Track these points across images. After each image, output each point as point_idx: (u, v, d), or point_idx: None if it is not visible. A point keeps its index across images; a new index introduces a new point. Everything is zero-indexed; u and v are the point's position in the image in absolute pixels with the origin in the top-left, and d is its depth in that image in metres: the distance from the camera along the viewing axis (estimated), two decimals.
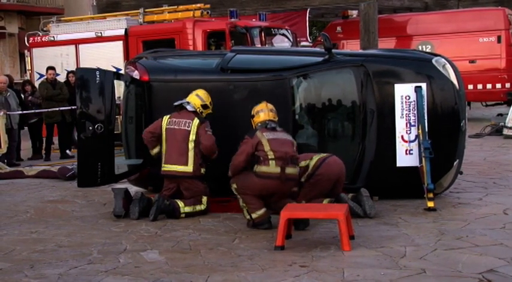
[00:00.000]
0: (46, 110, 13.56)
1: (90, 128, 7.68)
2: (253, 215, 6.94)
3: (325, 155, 7.52)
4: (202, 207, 7.59)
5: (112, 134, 8.03)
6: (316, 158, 7.46)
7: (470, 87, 16.86)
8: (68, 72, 14.69)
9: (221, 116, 8.30)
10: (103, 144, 7.82)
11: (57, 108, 13.52)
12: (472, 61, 17.81)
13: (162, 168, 7.68)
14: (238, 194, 7.10)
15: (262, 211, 6.95)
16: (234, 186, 7.10)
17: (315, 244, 6.15)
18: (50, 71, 13.97)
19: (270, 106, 7.44)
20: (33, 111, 13.73)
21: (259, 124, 7.29)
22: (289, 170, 7.02)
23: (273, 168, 6.97)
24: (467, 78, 14.76)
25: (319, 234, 6.54)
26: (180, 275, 5.39)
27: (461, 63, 14.31)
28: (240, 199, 7.09)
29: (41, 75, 15.49)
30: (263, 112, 7.36)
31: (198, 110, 7.77)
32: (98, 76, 7.83)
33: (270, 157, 6.98)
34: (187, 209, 7.48)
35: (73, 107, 13.36)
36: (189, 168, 7.57)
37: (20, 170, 11.44)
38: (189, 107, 7.75)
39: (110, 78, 7.96)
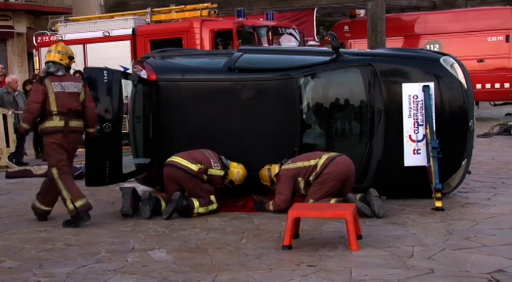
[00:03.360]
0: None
1: (98, 127, 7.70)
2: (78, 203, 7.19)
3: (334, 154, 7.52)
4: (215, 206, 7.59)
5: (120, 133, 8.05)
6: (325, 156, 7.47)
7: (479, 86, 16.80)
8: (74, 72, 14.70)
9: (228, 115, 8.31)
10: (111, 144, 7.83)
11: None
12: (480, 60, 17.76)
13: None
14: (59, 181, 7.27)
15: (85, 200, 7.27)
16: (53, 171, 7.31)
17: (322, 244, 6.15)
18: None
19: (61, 46, 7.60)
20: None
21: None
22: (72, 123, 7.37)
23: (57, 122, 7.31)
24: (476, 77, 14.69)
25: (327, 234, 6.54)
26: (187, 274, 5.39)
27: (470, 63, 14.28)
28: (62, 187, 7.25)
29: None
30: (51, 52, 7.49)
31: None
32: (106, 75, 7.85)
33: (53, 112, 7.30)
34: (201, 210, 7.47)
35: None
36: None
37: (28, 169, 11.49)
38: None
39: (117, 78, 7.98)
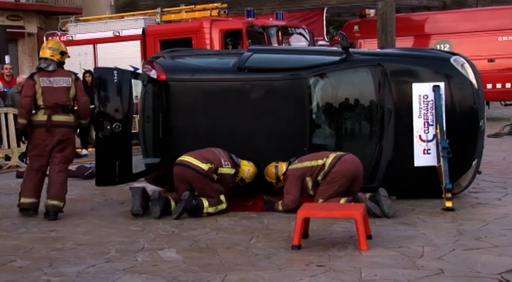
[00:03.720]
0: None
1: (108, 127, 7.72)
2: (22, 200, 7.78)
3: (341, 153, 7.53)
4: (224, 206, 7.59)
5: (130, 133, 8.07)
6: (332, 156, 7.48)
7: (489, 86, 16.69)
8: (85, 72, 14.75)
9: (238, 115, 8.32)
10: (121, 143, 7.85)
11: None
12: (490, 60, 17.66)
13: None
14: (25, 172, 8.00)
15: (31, 200, 7.76)
16: (28, 160, 8.13)
17: (332, 244, 6.14)
18: None
19: (53, 42, 8.11)
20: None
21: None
22: (56, 118, 7.73)
23: (41, 116, 7.73)
24: (486, 77, 14.61)
25: (337, 234, 6.53)
26: (197, 273, 5.40)
27: (480, 62, 14.20)
28: (23, 179, 7.91)
29: None
30: (43, 49, 7.94)
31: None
32: (116, 75, 7.87)
33: (40, 106, 7.73)
34: (211, 210, 7.48)
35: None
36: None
37: None
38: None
39: (127, 78, 8.00)
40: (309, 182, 7.50)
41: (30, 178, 7.85)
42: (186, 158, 7.66)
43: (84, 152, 13.91)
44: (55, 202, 7.65)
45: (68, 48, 8.35)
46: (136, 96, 9.03)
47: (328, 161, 7.43)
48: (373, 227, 6.45)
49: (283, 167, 7.73)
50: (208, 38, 14.92)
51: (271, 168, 7.82)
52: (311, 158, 7.61)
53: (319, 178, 7.43)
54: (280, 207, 7.54)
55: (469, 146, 7.91)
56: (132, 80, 8.11)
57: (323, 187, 7.38)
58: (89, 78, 14.12)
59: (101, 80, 7.92)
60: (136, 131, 9.45)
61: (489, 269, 5.27)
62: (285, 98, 8.26)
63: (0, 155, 13.04)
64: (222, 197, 7.60)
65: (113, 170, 7.77)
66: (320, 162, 7.46)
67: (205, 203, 7.46)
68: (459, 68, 8.01)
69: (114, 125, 7.74)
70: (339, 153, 7.55)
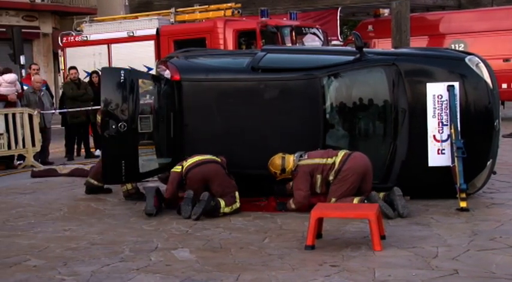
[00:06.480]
0: (71, 110, 13.66)
1: (114, 126, 7.76)
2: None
3: (349, 151, 7.54)
4: (238, 205, 7.61)
5: (136, 133, 8.09)
6: (341, 153, 7.48)
7: (504, 86, 16.60)
8: (92, 73, 14.82)
9: (251, 115, 8.32)
10: (126, 143, 7.87)
11: (82, 108, 13.62)
12: (506, 60, 17.54)
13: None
14: None
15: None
16: None
17: (345, 244, 6.13)
18: (71, 71, 14.11)
19: None
20: (60, 110, 13.92)
21: None
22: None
23: None
24: (501, 77, 14.52)
25: (350, 234, 6.52)
26: (210, 273, 5.41)
27: (495, 62, 14.08)
28: None
29: None
30: None
31: None
32: (122, 75, 7.90)
33: None
34: (227, 210, 7.49)
35: (98, 107, 13.54)
36: None
37: (53, 168, 11.60)
38: None
39: (133, 78, 8.02)
40: (318, 179, 7.48)
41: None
42: (193, 159, 7.68)
43: (97, 152, 13.95)
44: (90, 180, 9.13)
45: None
46: (152, 97, 9.06)
47: (338, 159, 7.42)
48: (387, 227, 6.43)
49: (290, 159, 7.64)
50: (222, 38, 14.94)
51: (277, 158, 7.71)
52: (321, 155, 7.57)
53: (331, 178, 7.41)
54: (292, 206, 7.53)
55: (484, 146, 7.87)
56: (146, 80, 8.13)
57: (335, 186, 7.37)
58: (95, 79, 14.20)
59: (107, 80, 7.96)
60: (150, 130, 9.48)
61: (504, 269, 5.23)
62: (299, 98, 8.26)
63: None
64: (237, 194, 7.61)
65: (119, 169, 7.81)
66: (330, 160, 7.45)
67: (222, 203, 7.47)
68: (474, 68, 7.96)
69: (119, 125, 7.78)
70: (346, 151, 7.55)
